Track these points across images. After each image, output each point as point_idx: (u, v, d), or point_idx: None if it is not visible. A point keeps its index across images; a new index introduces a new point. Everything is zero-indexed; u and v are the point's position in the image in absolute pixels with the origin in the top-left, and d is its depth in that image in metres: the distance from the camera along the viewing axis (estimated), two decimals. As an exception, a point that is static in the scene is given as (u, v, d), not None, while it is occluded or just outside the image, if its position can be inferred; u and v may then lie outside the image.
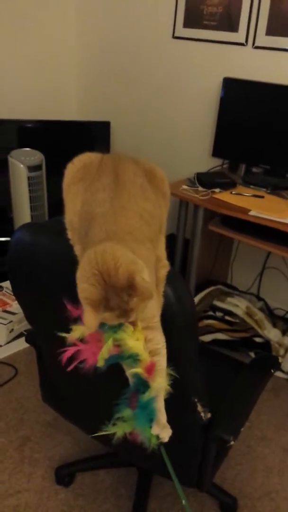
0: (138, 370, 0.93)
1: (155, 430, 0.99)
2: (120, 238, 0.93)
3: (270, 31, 2.44)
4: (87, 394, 1.35)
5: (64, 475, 1.87)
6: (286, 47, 2.43)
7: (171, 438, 1.04)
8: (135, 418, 0.98)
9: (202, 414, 1.23)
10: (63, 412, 1.66)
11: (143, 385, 0.96)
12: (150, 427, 0.99)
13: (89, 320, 0.87)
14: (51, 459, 1.95)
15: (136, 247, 0.94)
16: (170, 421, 1.06)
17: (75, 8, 3.16)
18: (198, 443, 1.31)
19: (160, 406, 1.00)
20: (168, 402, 1.03)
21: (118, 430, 0.99)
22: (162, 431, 1.00)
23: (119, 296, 0.86)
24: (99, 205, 1.01)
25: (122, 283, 0.85)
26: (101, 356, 0.91)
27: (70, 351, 0.94)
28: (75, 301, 0.91)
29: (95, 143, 3.03)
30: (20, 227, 1.21)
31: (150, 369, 0.94)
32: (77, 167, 1.14)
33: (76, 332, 0.93)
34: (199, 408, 1.22)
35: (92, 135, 3.00)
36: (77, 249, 1.03)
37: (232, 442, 1.25)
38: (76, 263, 0.99)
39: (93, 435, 1.07)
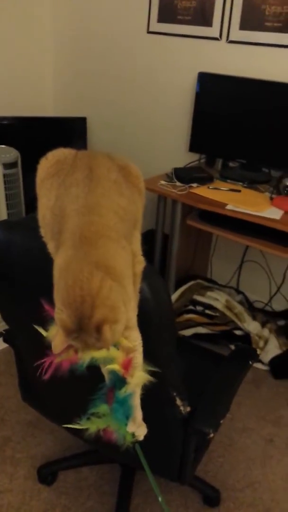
0: (115, 366, 0.93)
1: (131, 428, 0.99)
2: (93, 243, 0.92)
3: (243, 26, 2.45)
4: (65, 390, 1.34)
5: (47, 474, 1.86)
6: (260, 41, 2.44)
7: (149, 433, 1.04)
8: (111, 414, 0.98)
9: (182, 408, 1.24)
10: (43, 411, 1.66)
11: (120, 381, 0.96)
12: (126, 424, 0.99)
13: (58, 343, 0.87)
14: (33, 458, 1.94)
15: (111, 249, 0.93)
16: (149, 415, 1.06)
17: (51, 4, 3.13)
18: (178, 437, 1.31)
19: (136, 403, 1.00)
20: (147, 397, 1.03)
21: (91, 425, 0.99)
22: (138, 428, 1.00)
23: (89, 335, 0.86)
24: (73, 201, 1.00)
25: (92, 327, 0.85)
26: (81, 364, 0.92)
27: (47, 361, 0.94)
28: (52, 300, 0.91)
29: (71, 139, 3.01)
30: None
31: (127, 365, 0.94)
32: (50, 162, 1.12)
33: (53, 331, 0.92)
34: (178, 402, 1.22)
35: (68, 131, 2.97)
36: (50, 247, 1.02)
37: (211, 435, 1.26)
38: (51, 260, 0.98)
39: (64, 425, 1.06)
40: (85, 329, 0.85)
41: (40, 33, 3.16)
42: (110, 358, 0.93)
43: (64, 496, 1.80)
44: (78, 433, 1.03)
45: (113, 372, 0.95)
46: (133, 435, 1.00)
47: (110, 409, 0.98)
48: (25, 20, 3.04)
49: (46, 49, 3.23)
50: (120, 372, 0.94)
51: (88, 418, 0.99)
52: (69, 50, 3.19)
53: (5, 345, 2.41)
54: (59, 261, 0.92)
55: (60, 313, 0.87)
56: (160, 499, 1.15)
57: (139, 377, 0.96)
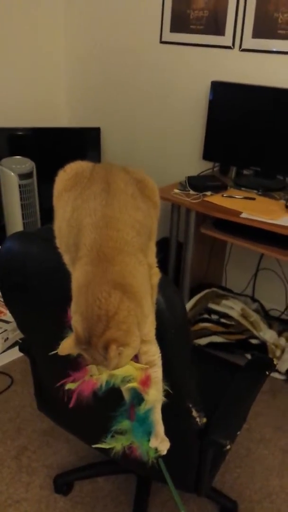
0: (134, 384, 0.93)
1: (153, 443, 0.99)
2: (111, 259, 0.93)
3: (256, 34, 2.45)
4: (84, 408, 1.34)
5: (63, 483, 1.86)
6: (272, 49, 2.44)
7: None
8: (133, 431, 0.97)
9: (198, 420, 1.23)
10: (58, 421, 1.65)
11: (139, 397, 0.96)
12: (148, 440, 0.99)
13: (66, 346, 0.89)
14: (49, 467, 1.94)
15: (129, 265, 0.94)
16: (165, 427, 1.05)
17: (64, 16, 3.17)
18: (194, 448, 1.30)
19: (157, 418, 1.00)
20: (163, 409, 1.02)
21: (116, 444, 0.99)
22: (161, 444, 0.99)
23: (97, 353, 0.87)
24: (90, 214, 1.00)
25: (100, 347, 0.86)
26: (100, 387, 0.93)
27: (67, 382, 0.95)
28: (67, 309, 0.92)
29: (86, 149, 3.03)
30: (9, 237, 1.21)
31: (145, 381, 0.94)
32: (69, 174, 1.14)
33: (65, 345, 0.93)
34: (194, 413, 1.21)
35: (82, 142, 3.00)
36: (65, 258, 1.03)
37: (228, 446, 1.25)
38: (67, 272, 0.99)
39: (93, 445, 1.07)
40: (94, 345, 0.86)
41: (53, 45, 3.20)
42: (128, 377, 0.93)
43: (80, 506, 1.79)
44: (104, 451, 1.03)
45: (132, 389, 0.95)
46: (156, 450, 1.00)
47: (131, 425, 0.98)
48: (39, 32, 3.08)
49: (59, 60, 3.27)
50: (139, 389, 0.94)
51: (112, 436, 1.00)
52: (83, 61, 3.21)
53: (20, 354, 2.43)
54: (78, 276, 0.93)
55: (76, 322, 0.88)
56: None
57: (155, 394, 0.96)
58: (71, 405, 0.94)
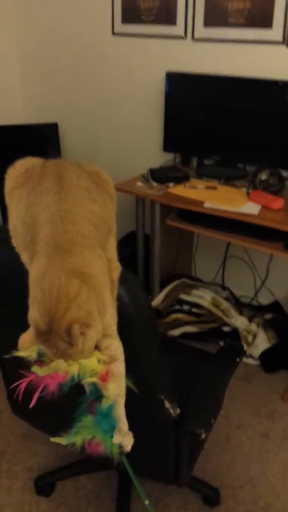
0: (94, 379, 0.92)
1: (116, 439, 0.98)
2: (68, 251, 0.92)
3: (207, 23, 2.45)
4: (49, 404, 1.33)
5: (44, 485, 1.84)
6: (225, 38, 2.44)
7: (141, 438, 1.03)
8: (96, 426, 0.97)
9: (171, 411, 1.23)
10: (33, 423, 1.64)
11: (100, 393, 0.95)
12: (112, 436, 0.98)
13: (26, 340, 0.88)
14: (30, 470, 1.92)
15: (87, 257, 0.93)
16: (139, 420, 1.05)
17: (14, 10, 3.10)
18: (171, 440, 1.31)
19: (120, 413, 0.99)
20: (135, 402, 1.02)
21: (77, 438, 0.98)
22: (124, 438, 0.99)
23: (60, 339, 0.85)
24: (44, 209, 0.99)
25: (63, 330, 0.84)
26: (68, 382, 0.90)
27: (24, 383, 0.92)
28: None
29: (44, 146, 2.99)
30: None
31: (105, 377, 0.93)
32: (19, 171, 1.12)
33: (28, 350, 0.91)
34: (167, 405, 1.22)
35: (41, 139, 2.95)
36: (23, 257, 1.02)
37: (203, 435, 1.26)
38: (23, 271, 0.97)
39: (52, 439, 1.05)
40: (56, 330, 0.84)
41: (4, 40, 3.13)
42: (93, 370, 0.92)
43: (63, 506, 1.79)
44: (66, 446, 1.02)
45: (93, 384, 0.95)
46: (119, 446, 0.99)
47: (94, 419, 0.97)
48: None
49: (12, 55, 3.20)
50: (98, 384, 0.93)
51: (76, 432, 0.98)
52: (36, 55, 3.17)
53: (-7, 360, 2.40)
54: (34, 270, 0.91)
55: (33, 312, 0.86)
56: (146, 503, 1.14)
57: (113, 389, 0.95)
58: (31, 404, 0.92)
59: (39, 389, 0.90)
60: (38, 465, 1.94)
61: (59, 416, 1.24)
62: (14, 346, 0.91)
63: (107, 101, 2.98)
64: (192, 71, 2.54)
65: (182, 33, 2.55)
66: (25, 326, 0.94)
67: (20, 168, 1.12)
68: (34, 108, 3.31)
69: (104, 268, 0.95)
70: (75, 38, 2.95)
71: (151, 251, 2.54)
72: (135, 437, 1.01)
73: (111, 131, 3.04)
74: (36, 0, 3.01)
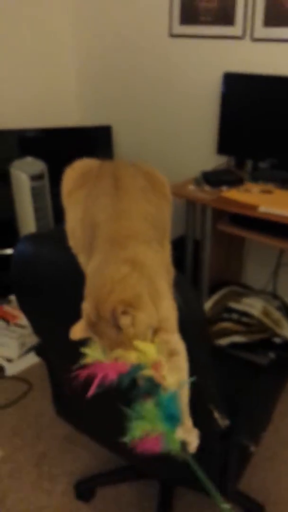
0: (149, 372, 0.87)
1: (179, 433, 0.92)
2: (123, 244, 0.91)
3: (267, 23, 2.38)
4: (102, 406, 1.31)
5: (84, 490, 1.82)
6: (285, 38, 2.36)
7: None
8: (158, 415, 0.90)
9: (220, 421, 1.18)
10: (78, 426, 1.62)
11: (154, 387, 0.90)
12: (173, 431, 0.91)
13: (77, 329, 0.86)
14: (70, 474, 1.90)
15: (141, 250, 0.91)
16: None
17: (72, 14, 3.13)
18: (218, 451, 1.26)
19: (184, 409, 0.93)
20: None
21: (136, 431, 0.91)
22: (189, 435, 0.93)
23: (108, 325, 0.83)
24: (102, 210, 0.99)
25: (108, 313, 0.82)
26: (127, 374, 0.87)
27: (83, 373, 0.88)
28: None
29: (97, 148, 2.99)
30: (21, 239, 1.19)
31: (157, 366, 0.88)
32: (77, 173, 1.13)
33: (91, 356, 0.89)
34: (216, 415, 1.16)
35: (94, 140, 2.96)
36: (81, 258, 1.00)
37: (252, 448, 1.20)
38: (80, 272, 0.95)
39: (106, 443, 1.00)
40: (103, 315, 0.82)
41: (61, 42, 3.16)
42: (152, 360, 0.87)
43: (102, 513, 1.75)
44: (125, 453, 0.97)
45: (148, 379, 0.90)
46: (183, 443, 0.93)
47: (155, 409, 0.90)
48: (47, 29, 3.05)
49: (68, 59, 3.23)
50: (153, 375, 0.88)
51: (134, 425, 0.92)
52: (92, 58, 3.18)
53: (38, 359, 2.40)
54: (91, 267, 0.92)
55: (85, 304, 0.86)
56: (226, 506, 1.06)
57: (171, 381, 0.89)
58: (90, 393, 0.87)
59: (99, 377, 0.86)
60: (78, 469, 1.92)
61: (107, 418, 1.21)
62: (66, 350, 0.89)
63: (162, 103, 2.96)
64: (250, 71, 2.47)
65: (240, 33, 2.49)
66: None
67: (79, 170, 1.13)
68: (88, 110, 3.32)
69: (160, 262, 0.93)
70: (132, 40, 2.94)
71: (201, 257, 2.49)
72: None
73: (163, 133, 3.01)
74: (93, 2, 3.03)
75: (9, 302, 2.47)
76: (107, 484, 1.87)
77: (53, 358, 1.45)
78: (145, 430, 0.92)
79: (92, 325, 0.84)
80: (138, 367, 0.87)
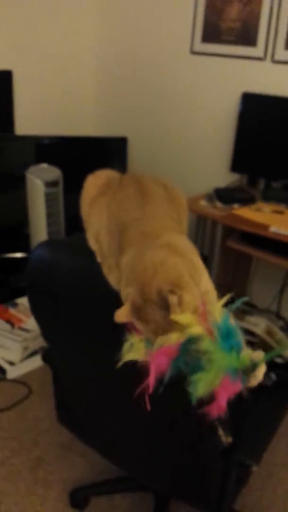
0: (195, 329, 0.83)
1: (248, 355, 0.88)
2: (156, 235, 0.94)
3: (289, 45, 2.42)
4: (107, 415, 1.31)
5: (79, 498, 1.81)
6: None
7: (188, 462, 0.99)
8: (221, 351, 0.84)
9: (223, 438, 1.18)
10: (79, 434, 1.62)
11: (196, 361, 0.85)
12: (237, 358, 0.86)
13: (122, 313, 0.86)
14: (65, 481, 1.89)
15: (172, 236, 0.95)
16: (189, 444, 1.01)
17: (95, 24, 3.18)
18: (218, 467, 1.25)
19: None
20: (188, 424, 0.98)
21: (209, 375, 0.84)
22: (255, 355, 0.89)
23: (155, 307, 0.83)
24: (129, 213, 1.03)
25: (154, 294, 0.83)
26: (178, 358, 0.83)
27: (152, 376, 0.85)
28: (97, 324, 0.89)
29: (112, 159, 3.02)
30: (40, 244, 1.21)
31: (203, 315, 0.86)
32: (101, 180, 1.16)
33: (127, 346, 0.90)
34: (220, 431, 1.16)
35: (109, 151, 2.98)
36: (108, 263, 1.02)
37: (254, 468, 1.20)
38: (97, 279, 0.96)
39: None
40: (149, 297, 0.83)
41: (83, 54, 3.21)
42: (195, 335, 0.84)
43: (96, 523, 1.75)
44: (123, 462, 0.97)
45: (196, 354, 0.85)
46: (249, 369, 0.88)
47: (214, 344, 0.84)
48: (69, 40, 3.10)
49: (89, 69, 3.28)
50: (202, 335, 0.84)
51: (202, 375, 0.85)
52: (112, 70, 3.22)
53: (39, 364, 2.40)
54: (125, 259, 0.93)
55: (125, 290, 0.87)
56: None
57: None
58: (149, 391, 0.84)
59: (152, 367, 0.84)
60: (74, 477, 1.91)
61: (113, 428, 1.22)
62: (77, 356, 0.89)
63: (178, 118, 2.99)
64: (269, 93, 2.50)
65: (261, 54, 2.52)
66: (86, 335, 0.93)
67: (102, 178, 1.16)
68: (105, 121, 3.36)
69: (192, 247, 0.96)
70: (152, 54, 2.98)
71: (208, 272, 2.49)
72: (180, 461, 0.95)
73: (178, 148, 3.04)
74: (117, 15, 3.07)
75: (16, 305, 2.48)
76: (102, 494, 1.86)
77: (60, 364, 1.45)
78: (222, 369, 0.86)
79: (137, 310, 0.84)
80: (187, 343, 0.84)
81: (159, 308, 0.83)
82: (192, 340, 0.84)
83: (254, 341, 2.55)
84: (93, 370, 1.13)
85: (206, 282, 0.93)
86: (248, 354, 0.89)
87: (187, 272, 0.86)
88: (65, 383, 1.47)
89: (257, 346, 2.53)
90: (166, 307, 0.82)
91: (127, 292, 0.86)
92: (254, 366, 0.89)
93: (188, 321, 0.83)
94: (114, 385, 1.18)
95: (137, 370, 0.88)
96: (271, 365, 2.46)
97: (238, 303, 0.94)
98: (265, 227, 2.16)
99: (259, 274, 2.91)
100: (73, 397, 1.46)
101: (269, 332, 2.56)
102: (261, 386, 1.66)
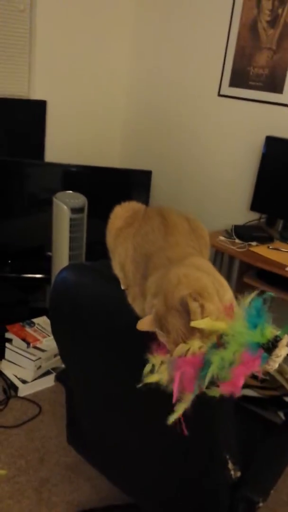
0: (219, 325, 0.84)
1: (272, 330, 0.86)
2: (181, 260, 0.97)
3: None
4: (120, 438, 1.33)
5: (82, 522, 1.82)
6: None
7: (197, 495, 1.00)
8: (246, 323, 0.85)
9: (232, 472, 1.20)
10: (87, 456, 1.64)
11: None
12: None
13: (146, 322, 0.90)
14: (69, 503, 1.90)
15: (197, 259, 0.99)
16: (199, 476, 1.02)
17: (128, 63, 3.31)
18: (225, 502, 1.26)
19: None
20: (199, 456, 1.00)
21: (228, 352, 0.84)
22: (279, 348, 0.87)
23: (177, 314, 0.86)
24: (153, 244, 1.06)
25: (177, 301, 0.86)
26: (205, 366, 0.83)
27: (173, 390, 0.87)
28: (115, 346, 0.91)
29: (135, 191, 3.09)
30: (66, 267, 1.24)
31: (229, 309, 0.87)
32: (128, 212, 1.20)
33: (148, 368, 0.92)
34: (230, 465, 1.18)
35: (133, 183, 3.06)
36: (132, 291, 1.05)
37: (261, 504, 1.21)
38: (121, 305, 0.99)
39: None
40: (171, 305, 0.85)
41: (114, 90, 3.34)
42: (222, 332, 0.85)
43: None
44: (130, 488, 1.00)
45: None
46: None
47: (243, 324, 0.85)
48: (102, 76, 3.23)
49: (119, 102, 3.39)
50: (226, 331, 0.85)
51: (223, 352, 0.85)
52: (141, 105, 3.33)
53: (51, 384, 2.44)
54: (150, 282, 0.97)
55: (150, 302, 0.91)
56: None
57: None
58: (174, 399, 0.85)
59: (177, 374, 0.84)
60: (78, 499, 1.92)
61: (124, 454, 1.22)
62: (93, 378, 0.92)
63: (202, 156, 3.07)
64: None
65: (287, 101, 2.61)
66: (104, 359, 0.95)
67: (129, 209, 1.20)
68: (130, 154, 3.46)
69: (216, 270, 0.98)
70: (181, 94, 3.09)
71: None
72: (188, 492, 0.96)
73: (200, 184, 3.11)
74: (150, 55, 3.20)
75: (32, 325, 2.53)
76: (105, 520, 1.87)
77: (75, 385, 1.48)
78: (241, 345, 0.86)
79: (160, 319, 0.87)
80: (211, 350, 0.84)
81: (180, 315, 0.85)
82: (214, 347, 0.84)
83: (265, 378, 2.56)
84: (112, 394, 1.16)
85: (231, 299, 0.92)
86: (272, 330, 0.89)
87: (211, 286, 0.88)
88: (79, 405, 1.49)
89: (267, 383, 2.54)
90: (187, 314, 0.83)
91: (152, 304, 0.90)
92: (276, 342, 0.87)
93: (209, 324, 0.83)
94: (135, 408, 1.20)
95: (160, 393, 0.90)
96: (281, 404, 2.46)
97: (268, 294, 0.94)
98: (282, 266, 2.20)
99: (273, 312, 2.92)
100: (86, 419, 1.48)
101: (280, 371, 2.56)
102: (271, 423, 1.68)
